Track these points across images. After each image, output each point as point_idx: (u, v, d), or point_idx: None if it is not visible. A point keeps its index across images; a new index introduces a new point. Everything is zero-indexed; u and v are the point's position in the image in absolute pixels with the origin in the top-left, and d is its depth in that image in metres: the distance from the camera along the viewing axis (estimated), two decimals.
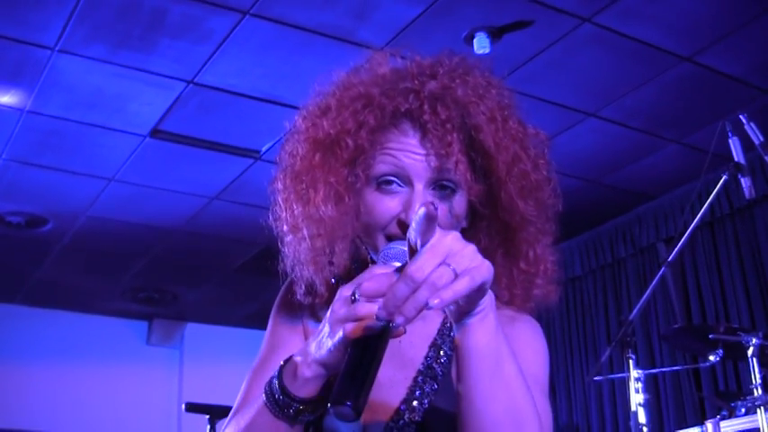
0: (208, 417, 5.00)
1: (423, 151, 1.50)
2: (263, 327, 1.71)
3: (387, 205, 1.51)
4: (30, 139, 5.81)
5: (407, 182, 1.51)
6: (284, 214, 1.61)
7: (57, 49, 4.83)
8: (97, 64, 5.00)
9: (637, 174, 6.54)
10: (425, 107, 1.51)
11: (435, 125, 1.49)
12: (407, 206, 1.48)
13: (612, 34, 4.90)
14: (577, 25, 4.81)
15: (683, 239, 4.13)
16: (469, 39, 4.85)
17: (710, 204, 4.45)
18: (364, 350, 1.30)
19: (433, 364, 1.58)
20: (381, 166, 1.52)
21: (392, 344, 1.34)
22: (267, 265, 1.67)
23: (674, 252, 4.13)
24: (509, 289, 1.63)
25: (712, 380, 6.28)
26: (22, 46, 4.81)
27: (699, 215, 4.17)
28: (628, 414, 6.64)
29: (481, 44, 4.82)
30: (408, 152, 1.50)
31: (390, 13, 4.66)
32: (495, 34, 4.83)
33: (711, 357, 4.30)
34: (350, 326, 1.30)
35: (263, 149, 5.99)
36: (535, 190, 1.65)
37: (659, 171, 6.52)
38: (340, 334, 1.32)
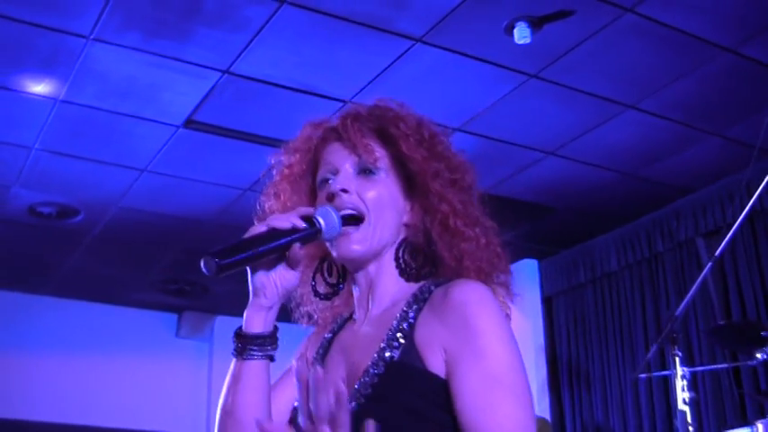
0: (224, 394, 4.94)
1: (342, 146, 1.88)
2: (291, 319, 1.92)
3: (326, 188, 1.86)
4: (62, 129, 5.76)
5: (337, 171, 1.86)
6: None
7: (91, 37, 4.78)
8: (131, 53, 4.94)
9: (675, 167, 6.43)
10: (346, 120, 1.90)
11: (350, 127, 1.87)
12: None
13: (654, 24, 4.80)
14: (619, 15, 4.72)
15: (731, 232, 4.02)
16: (510, 29, 4.78)
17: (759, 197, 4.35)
18: (263, 238, 1.65)
19: (377, 364, 1.70)
20: (320, 173, 1.90)
21: (354, 335, 1.84)
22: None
23: (721, 246, 4.03)
24: (457, 261, 1.82)
25: (753, 379, 6.17)
26: (56, 34, 4.76)
27: (747, 207, 4.05)
28: (666, 412, 6.65)
29: (522, 34, 4.74)
30: (334, 152, 1.89)
31: (430, 1, 4.59)
32: (536, 24, 4.75)
33: (759, 355, 4.20)
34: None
35: None
36: (440, 168, 1.87)
37: (698, 164, 6.41)
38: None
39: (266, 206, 2.04)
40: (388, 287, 1.84)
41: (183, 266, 8.25)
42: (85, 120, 5.64)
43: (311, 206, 1.87)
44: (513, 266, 1.95)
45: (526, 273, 8.00)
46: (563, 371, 7.79)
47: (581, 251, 7.74)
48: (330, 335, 1.95)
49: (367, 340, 1.79)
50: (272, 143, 5.93)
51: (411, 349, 1.67)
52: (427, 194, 1.84)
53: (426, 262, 1.85)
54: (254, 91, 5.36)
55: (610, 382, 7.32)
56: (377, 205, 1.82)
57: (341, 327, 1.96)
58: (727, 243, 4.12)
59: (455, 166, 1.90)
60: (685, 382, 4.10)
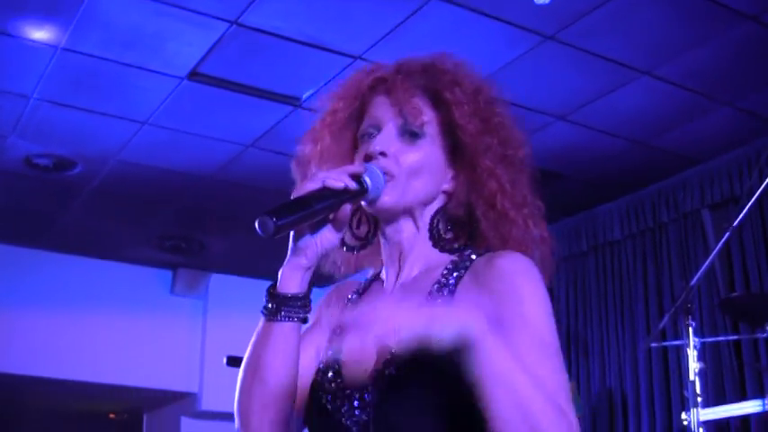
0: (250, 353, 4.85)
1: (389, 102, 1.79)
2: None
3: (365, 147, 1.79)
4: (63, 78, 5.62)
5: (380, 128, 1.78)
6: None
7: None
8: (137, 0, 4.81)
9: (686, 136, 6.34)
10: (394, 70, 1.83)
11: (400, 84, 1.78)
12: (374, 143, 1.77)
13: None
14: None
15: (751, 201, 3.95)
16: None
17: (760, 169, 4.29)
18: (317, 197, 1.59)
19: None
20: (363, 125, 1.82)
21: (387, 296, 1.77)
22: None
23: (740, 216, 3.95)
24: (502, 242, 1.76)
25: (754, 353, 6.13)
26: None
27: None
28: (665, 381, 6.60)
29: None
30: (379, 105, 1.80)
31: None
32: None
33: None
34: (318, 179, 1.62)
35: (304, 97, 5.81)
36: (492, 143, 1.78)
37: (708, 135, 6.32)
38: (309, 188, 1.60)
39: (305, 152, 1.94)
40: (422, 252, 1.80)
41: (180, 223, 8.18)
42: (87, 69, 5.51)
43: (351, 157, 1.84)
44: None
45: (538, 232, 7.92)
46: (561, 338, 7.67)
47: (584, 219, 7.66)
48: (355, 296, 1.90)
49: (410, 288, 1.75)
50: (279, 98, 5.89)
51: None
52: (475, 168, 1.77)
53: (461, 234, 1.81)
54: (262, 44, 5.23)
55: (609, 351, 7.27)
56: (412, 171, 1.75)
57: (366, 289, 1.91)
58: (746, 214, 4.04)
59: (509, 139, 1.81)
60: (696, 353, 4.04)
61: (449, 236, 1.80)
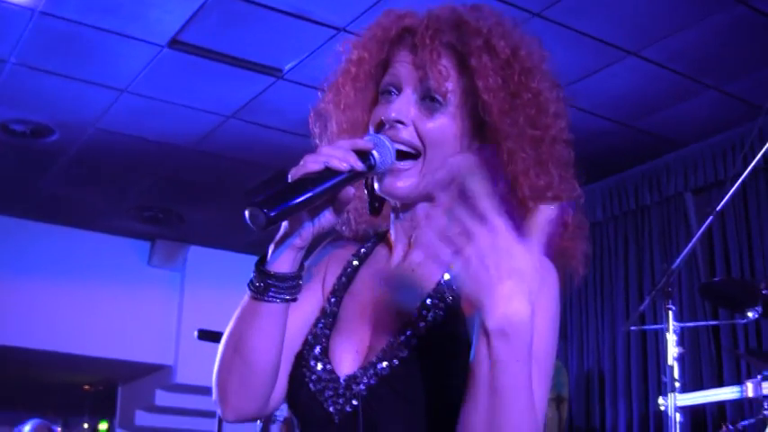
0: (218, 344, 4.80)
1: (413, 61, 1.60)
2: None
3: (381, 110, 1.63)
4: (40, 43, 5.52)
5: (400, 89, 1.62)
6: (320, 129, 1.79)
7: None
8: None
9: (670, 119, 6.29)
10: (423, 24, 1.62)
11: (427, 43, 1.58)
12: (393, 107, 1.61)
13: None
14: None
15: (735, 186, 3.90)
16: None
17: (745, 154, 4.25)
18: (317, 180, 1.43)
19: (419, 323, 1.55)
20: (384, 80, 1.65)
21: (390, 274, 1.64)
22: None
23: (723, 201, 3.90)
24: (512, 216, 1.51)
25: (733, 338, 6.12)
26: None
27: (752, 164, 3.93)
28: (645, 366, 6.58)
29: None
30: (402, 62, 1.62)
31: None
32: None
33: (750, 314, 4.10)
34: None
35: (287, 68, 5.73)
36: (518, 110, 1.61)
37: (693, 118, 6.28)
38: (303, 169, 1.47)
39: (326, 103, 1.76)
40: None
41: (158, 193, 8.09)
42: (65, 34, 5.41)
43: (371, 111, 1.67)
44: None
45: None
46: None
47: None
48: (356, 260, 1.76)
49: (410, 283, 1.63)
50: (261, 69, 5.81)
51: (455, 315, 1.48)
52: (497, 147, 1.61)
53: None
54: (244, 12, 5.14)
55: (587, 333, 7.24)
56: (435, 141, 1.59)
57: (368, 254, 1.77)
58: (729, 199, 4.00)
59: (539, 116, 1.65)
60: (675, 337, 4.00)
61: None
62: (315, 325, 1.69)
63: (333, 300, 1.72)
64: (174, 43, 5.48)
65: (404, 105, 1.60)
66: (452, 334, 1.49)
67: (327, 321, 1.69)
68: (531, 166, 1.62)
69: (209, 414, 8.49)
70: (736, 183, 4.06)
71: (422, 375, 1.50)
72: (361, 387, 1.54)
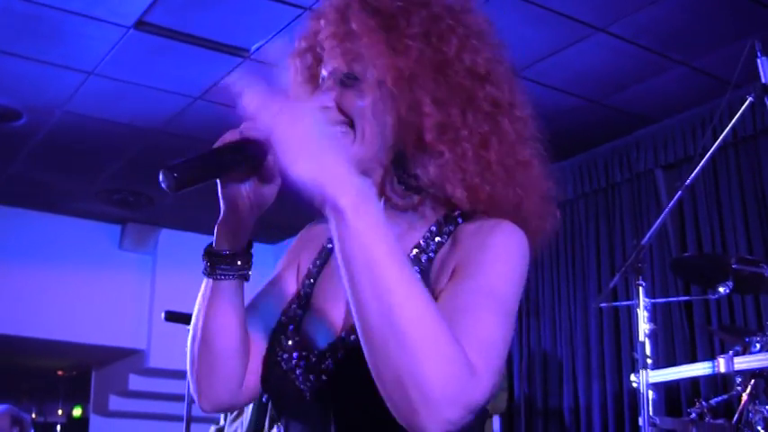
0: (188, 326, 4.77)
1: (329, 45, 1.63)
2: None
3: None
4: (6, 25, 5.45)
5: (323, 80, 1.67)
6: None
7: None
8: None
9: (640, 95, 6.29)
10: (326, 15, 1.66)
11: (329, 27, 1.64)
12: None
13: None
14: None
15: (704, 160, 3.91)
16: None
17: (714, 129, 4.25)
18: (232, 148, 1.44)
19: None
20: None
21: None
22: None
23: (693, 174, 3.91)
24: (466, 188, 1.59)
25: (705, 314, 6.14)
26: None
27: (721, 137, 3.93)
28: (618, 344, 6.61)
29: None
30: (325, 49, 1.66)
31: None
32: None
33: (721, 289, 4.11)
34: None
35: (253, 48, 5.69)
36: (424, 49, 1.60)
37: (662, 94, 6.28)
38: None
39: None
40: (398, 206, 1.65)
41: (128, 176, 8.04)
42: (31, 16, 5.34)
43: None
44: None
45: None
46: None
47: None
48: (330, 245, 1.76)
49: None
50: (227, 50, 5.76)
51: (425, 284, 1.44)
52: (443, 101, 1.60)
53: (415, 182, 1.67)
54: None
55: (559, 310, 7.25)
56: (357, 114, 1.60)
57: None
58: (698, 173, 4.01)
59: (446, 61, 1.62)
60: (646, 314, 4.01)
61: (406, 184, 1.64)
62: (288, 307, 1.71)
63: (307, 282, 1.73)
64: (141, 24, 5.43)
65: (325, 92, 1.63)
66: None
67: (301, 302, 1.70)
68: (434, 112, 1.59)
69: (182, 398, 8.48)
70: (705, 157, 4.06)
71: None
72: (329, 362, 1.54)
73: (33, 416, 11.49)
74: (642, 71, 5.95)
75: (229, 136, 1.46)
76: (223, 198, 1.53)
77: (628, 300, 5.24)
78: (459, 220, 1.62)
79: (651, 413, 3.89)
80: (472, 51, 1.65)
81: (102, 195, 8.58)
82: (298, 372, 1.58)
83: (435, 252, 1.58)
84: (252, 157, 1.47)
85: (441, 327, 1.28)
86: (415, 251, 1.59)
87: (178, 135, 7.00)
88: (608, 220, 7.07)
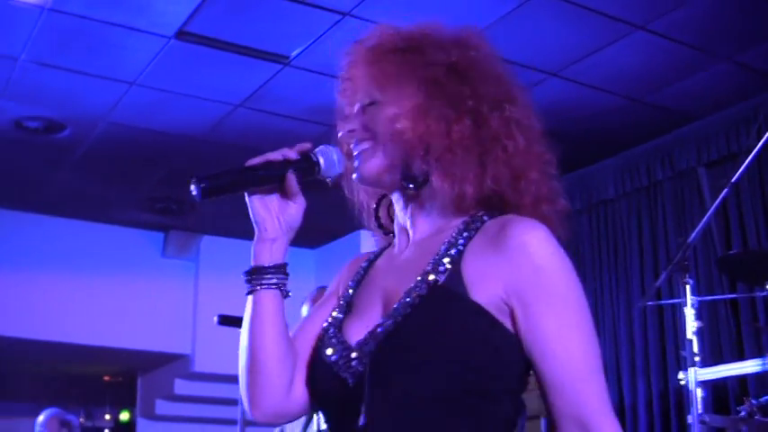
0: (239, 330, 4.78)
1: (351, 83, 1.85)
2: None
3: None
4: (50, 39, 5.55)
5: (350, 112, 1.87)
6: None
7: None
8: None
9: (681, 93, 6.25)
10: (351, 56, 1.86)
11: (352, 64, 1.85)
12: None
13: None
14: None
15: (749, 158, 3.89)
16: None
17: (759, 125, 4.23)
18: (255, 168, 1.69)
19: (421, 286, 1.67)
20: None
21: (392, 260, 1.83)
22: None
23: (738, 172, 3.89)
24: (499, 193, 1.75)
25: (752, 312, 6.10)
26: None
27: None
28: (663, 342, 6.58)
29: None
30: (344, 91, 1.88)
31: None
32: None
33: None
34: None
35: (293, 55, 5.73)
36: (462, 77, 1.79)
37: (704, 91, 6.24)
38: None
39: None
40: (430, 214, 1.80)
41: (170, 184, 8.11)
42: (74, 30, 5.43)
43: None
44: None
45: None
46: None
47: (577, 178, 7.59)
48: (366, 264, 1.93)
49: (409, 264, 1.76)
50: (268, 57, 5.80)
51: (457, 276, 1.65)
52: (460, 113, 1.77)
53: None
54: (250, 1, 5.14)
55: (603, 311, 7.23)
56: (385, 127, 1.77)
57: (378, 256, 1.94)
58: (744, 170, 3.99)
59: (491, 83, 1.83)
60: (694, 312, 4.00)
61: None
62: (330, 315, 1.84)
63: (347, 294, 1.87)
64: (182, 34, 5.49)
65: (351, 120, 1.83)
66: (452, 292, 1.63)
67: (342, 308, 1.84)
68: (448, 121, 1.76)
69: (228, 402, 8.53)
70: (751, 153, 4.04)
71: (425, 327, 1.61)
72: (371, 346, 1.66)
73: (81, 420, 11.60)
74: (683, 68, 5.92)
75: (255, 161, 1.72)
76: (253, 216, 1.78)
77: (672, 298, 5.23)
78: (485, 218, 1.74)
79: (700, 411, 3.88)
80: (483, 81, 1.82)
81: (145, 204, 8.66)
82: (340, 363, 1.69)
83: (464, 245, 1.69)
84: (274, 173, 1.72)
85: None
86: (443, 246, 1.71)
87: (220, 143, 7.06)
88: (650, 218, 7.04)
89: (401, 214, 1.84)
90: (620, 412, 6.89)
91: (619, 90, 6.23)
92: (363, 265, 1.93)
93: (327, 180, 1.81)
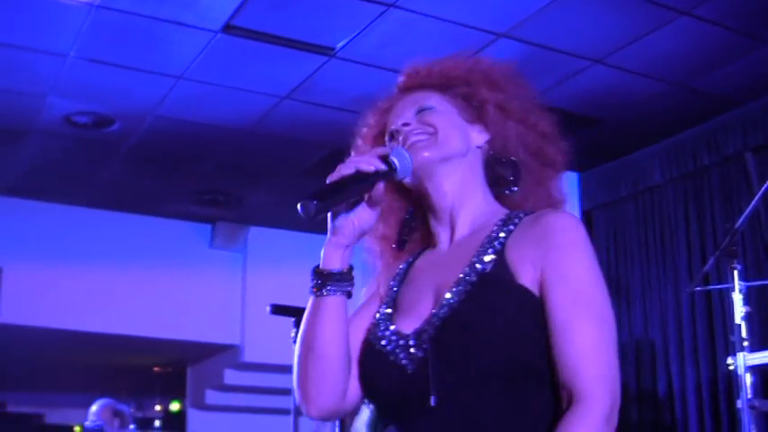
0: (293, 320, 4.81)
1: (402, 101, 1.99)
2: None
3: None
4: (99, 36, 5.63)
5: (398, 119, 1.96)
6: None
7: None
8: None
9: (727, 77, 6.22)
10: (403, 79, 2.04)
11: (407, 80, 2.03)
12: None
13: None
14: None
15: None
16: None
17: None
18: (351, 180, 1.74)
19: (471, 274, 1.78)
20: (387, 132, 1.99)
21: (438, 256, 1.93)
22: (335, 167, 1.80)
23: None
24: (523, 196, 1.96)
25: None
26: None
27: None
28: (711, 327, 6.57)
29: None
30: (394, 109, 2.00)
31: None
32: None
33: None
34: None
35: (338, 47, 5.78)
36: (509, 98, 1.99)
37: (750, 75, 6.19)
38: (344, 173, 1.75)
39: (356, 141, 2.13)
40: (472, 213, 1.93)
41: (218, 177, 8.21)
42: (122, 26, 5.51)
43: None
44: None
45: (566, 185, 7.84)
46: None
47: (623, 164, 7.59)
48: (405, 265, 2.02)
49: (454, 259, 1.86)
50: (313, 49, 5.86)
51: (502, 264, 1.78)
52: (496, 129, 1.96)
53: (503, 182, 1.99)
54: None
55: (650, 297, 7.23)
56: (439, 124, 1.91)
57: (417, 257, 2.03)
58: None
59: (519, 93, 2.00)
60: (742, 297, 4.00)
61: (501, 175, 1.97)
62: (378, 311, 1.92)
63: (391, 292, 1.97)
64: (228, 28, 5.55)
65: (406, 117, 1.94)
66: (500, 278, 1.76)
67: (389, 303, 1.93)
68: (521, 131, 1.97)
69: (278, 391, 8.62)
70: None
71: (479, 311, 1.72)
72: (429, 332, 1.75)
73: (132, 410, 11.72)
74: (728, 53, 5.88)
75: (344, 169, 1.76)
76: (333, 222, 1.82)
77: (720, 283, 5.22)
78: (522, 215, 1.87)
79: (750, 395, 3.89)
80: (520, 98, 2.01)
81: (193, 196, 8.76)
82: (398, 352, 1.78)
83: (506, 238, 1.81)
84: (368, 184, 1.78)
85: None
86: (486, 240, 1.83)
87: (266, 135, 7.13)
88: (697, 204, 7.01)
89: (445, 213, 1.94)
90: (669, 397, 6.90)
91: (664, 76, 6.21)
92: (402, 266, 2.02)
93: (405, 180, 1.90)
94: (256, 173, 8.08)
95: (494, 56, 5.62)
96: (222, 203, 8.95)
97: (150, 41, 5.71)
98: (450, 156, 1.90)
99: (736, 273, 3.95)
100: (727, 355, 4.25)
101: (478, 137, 1.95)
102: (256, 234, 9.72)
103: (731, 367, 4.01)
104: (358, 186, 1.77)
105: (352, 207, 1.81)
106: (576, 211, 7.95)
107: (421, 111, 1.93)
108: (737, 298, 3.93)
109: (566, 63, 6.00)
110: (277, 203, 8.71)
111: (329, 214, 1.80)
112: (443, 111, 1.94)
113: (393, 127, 1.95)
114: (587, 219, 7.98)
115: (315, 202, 1.68)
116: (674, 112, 6.73)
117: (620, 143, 7.34)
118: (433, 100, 1.95)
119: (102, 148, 7.44)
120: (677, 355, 6.85)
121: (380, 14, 5.34)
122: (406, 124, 1.91)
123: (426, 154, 1.87)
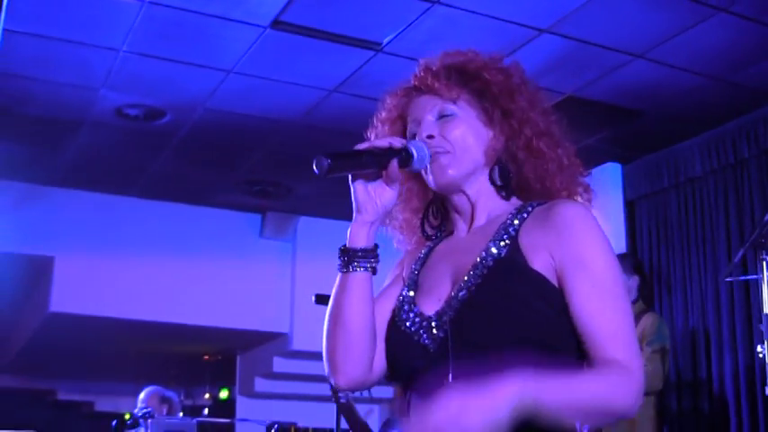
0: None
1: (424, 97, 2.06)
2: None
3: (415, 133, 2.05)
4: (150, 31, 5.80)
5: (420, 123, 2.04)
6: None
7: None
8: None
9: (765, 72, 6.26)
10: (421, 72, 2.09)
11: (426, 76, 2.07)
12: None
13: None
14: None
15: None
16: None
17: None
18: (366, 152, 1.89)
19: (488, 258, 1.90)
20: (408, 129, 2.08)
21: (457, 243, 2.05)
22: None
23: None
24: (541, 182, 2.03)
25: None
26: None
27: None
28: (749, 316, 6.63)
29: None
30: (416, 106, 2.07)
31: None
32: None
33: None
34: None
35: (385, 41, 5.91)
36: (520, 92, 2.07)
37: None
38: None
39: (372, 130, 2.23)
40: (489, 206, 2.04)
41: (267, 167, 8.36)
42: (173, 21, 5.67)
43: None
44: (597, 170, 2.19)
45: (609, 176, 7.93)
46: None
47: (665, 156, 7.66)
48: (427, 249, 2.15)
49: (471, 245, 1.98)
50: (360, 44, 6.00)
51: (516, 249, 1.90)
52: (510, 120, 2.03)
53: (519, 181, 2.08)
54: None
55: (691, 287, 7.30)
56: (460, 141, 2.00)
57: (437, 242, 2.16)
58: None
59: (533, 91, 2.09)
60: None
61: (507, 183, 2.04)
62: (401, 293, 2.06)
63: (413, 276, 2.10)
64: (277, 24, 5.69)
65: (428, 127, 2.02)
66: (514, 262, 1.88)
67: (411, 286, 2.06)
68: (540, 123, 2.04)
69: (325, 379, 8.71)
70: None
71: (495, 294, 1.84)
72: (450, 314, 1.88)
73: (181, 398, 11.89)
74: (765, 49, 5.94)
75: (361, 146, 1.92)
76: (356, 199, 1.97)
77: (755, 274, 5.28)
78: (534, 204, 1.99)
79: None
80: (531, 97, 2.08)
81: (243, 187, 8.91)
82: (420, 332, 1.91)
83: (519, 226, 1.93)
84: (383, 159, 1.91)
85: (595, 389, 1.75)
86: (501, 227, 1.95)
87: (314, 127, 7.26)
88: (737, 195, 7.06)
89: (465, 210, 2.06)
90: (707, 383, 6.97)
91: (703, 70, 6.27)
92: (424, 250, 2.14)
93: (421, 171, 2.03)
94: (305, 164, 8.08)
95: (536, 51, 5.77)
96: (272, 194, 9.10)
97: (200, 36, 5.87)
98: (473, 170, 2.02)
99: (765, 264, 4.03)
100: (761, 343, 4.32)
101: (495, 141, 2.04)
102: (305, 224, 9.83)
103: (761, 355, 4.09)
104: (372, 158, 1.90)
105: (370, 180, 1.95)
106: (620, 202, 8.04)
107: (442, 116, 2.03)
108: (766, 289, 4.01)
109: (607, 58, 6.09)
110: (325, 194, 8.83)
111: (352, 190, 1.95)
112: (464, 118, 2.03)
113: (419, 137, 2.03)
114: (630, 208, 8.07)
115: (328, 161, 1.83)
116: (713, 105, 6.79)
117: (662, 135, 7.41)
118: (457, 92, 2.04)
119: (152, 139, 7.62)
120: (716, 342, 6.91)
121: (426, 10, 5.46)
122: (430, 136, 2.00)
123: (451, 172, 2.00)
